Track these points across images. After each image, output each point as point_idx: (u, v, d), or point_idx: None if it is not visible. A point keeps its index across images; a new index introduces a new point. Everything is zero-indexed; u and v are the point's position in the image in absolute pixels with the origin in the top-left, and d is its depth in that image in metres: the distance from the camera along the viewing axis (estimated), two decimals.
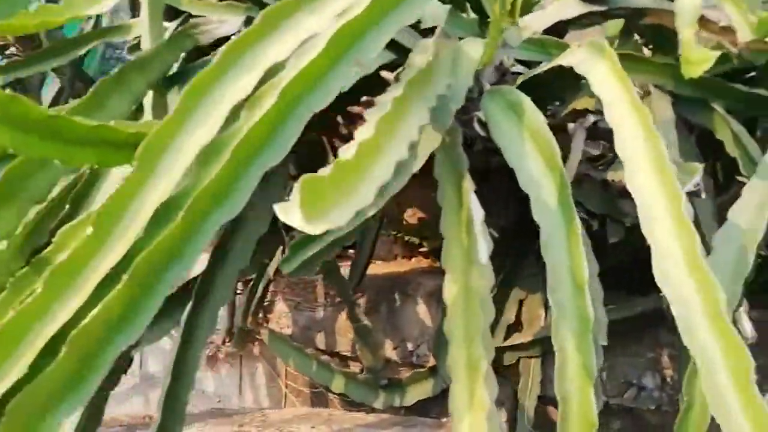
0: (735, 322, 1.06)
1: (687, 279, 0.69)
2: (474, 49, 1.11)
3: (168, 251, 0.64)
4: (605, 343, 0.95)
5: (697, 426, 0.91)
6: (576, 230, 0.91)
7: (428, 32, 1.18)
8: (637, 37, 1.43)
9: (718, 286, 0.67)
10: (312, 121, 0.70)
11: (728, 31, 1.12)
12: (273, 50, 0.72)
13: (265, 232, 1.14)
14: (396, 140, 0.71)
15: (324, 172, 0.57)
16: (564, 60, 1.02)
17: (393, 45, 1.09)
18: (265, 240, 1.48)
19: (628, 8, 1.14)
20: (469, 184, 1.05)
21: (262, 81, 0.70)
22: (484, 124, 1.11)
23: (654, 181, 0.76)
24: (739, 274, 0.94)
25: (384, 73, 1.11)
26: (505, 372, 1.51)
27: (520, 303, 1.45)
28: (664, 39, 1.24)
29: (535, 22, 1.13)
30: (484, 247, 1.01)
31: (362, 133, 0.65)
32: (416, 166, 0.98)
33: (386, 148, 0.68)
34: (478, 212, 1.03)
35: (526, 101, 1.05)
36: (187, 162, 0.65)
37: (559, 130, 1.29)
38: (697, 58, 0.91)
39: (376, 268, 1.80)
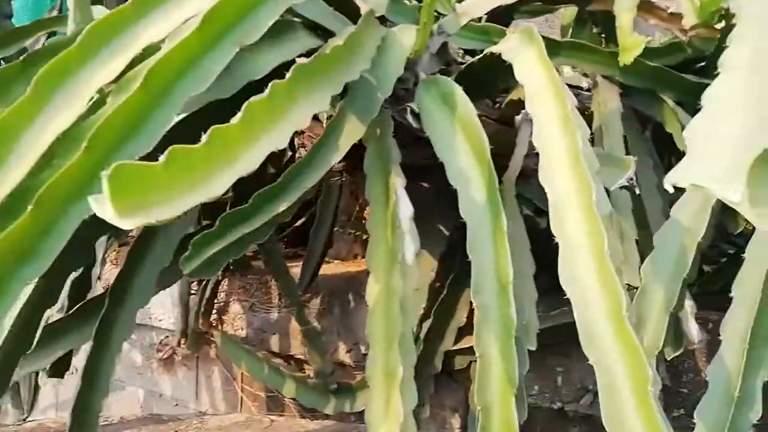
0: (679, 323, 1.01)
1: (593, 282, 0.63)
2: (407, 36, 1.05)
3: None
4: (533, 348, 0.89)
5: None
6: (502, 227, 0.86)
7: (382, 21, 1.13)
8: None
9: (622, 291, 0.61)
10: None
11: (677, 17, 1.07)
12: (149, 30, 0.65)
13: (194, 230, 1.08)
14: (274, 128, 0.65)
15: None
16: (497, 48, 0.96)
17: (323, 30, 1.04)
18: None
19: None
20: (397, 179, 0.99)
21: (136, 63, 0.64)
22: (418, 116, 1.05)
23: (566, 176, 0.70)
24: (679, 274, 0.88)
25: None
26: (458, 376, 1.45)
27: (471, 304, 1.39)
28: (614, 27, 1.19)
29: (473, 8, 1.07)
30: (410, 246, 0.95)
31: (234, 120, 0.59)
32: (336, 157, 0.93)
33: (253, 137, 0.61)
34: (406, 209, 0.97)
35: (459, 92, 0.99)
36: (40, 151, 0.59)
37: (505, 122, 1.24)
38: (629, 44, 0.85)
39: (333, 268, 1.74)
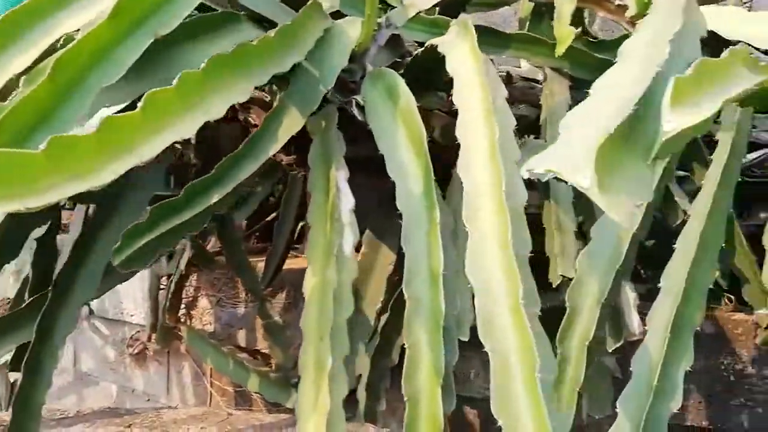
0: (621, 315, 1.01)
1: (495, 271, 0.63)
2: (352, 28, 1.05)
3: None
4: (465, 339, 0.89)
5: None
6: (435, 220, 0.86)
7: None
8: None
9: (520, 281, 0.61)
10: None
11: (622, 9, 1.07)
12: (68, 21, 0.66)
13: None
14: (179, 119, 0.65)
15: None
16: (436, 40, 0.96)
17: (268, 23, 1.04)
18: None
19: None
20: (340, 172, 0.99)
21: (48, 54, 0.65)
22: (364, 108, 1.06)
23: (481, 167, 0.70)
24: (613, 265, 0.88)
25: None
26: None
27: None
28: None
29: (421, 1, 1.07)
30: (349, 239, 0.95)
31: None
32: (273, 149, 0.93)
33: (156, 127, 0.62)
34: (347, 201, 0.98)
35: (402, 85, 0.99)
36: None
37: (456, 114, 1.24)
38: (564, 36, 0.85)
39: (301, 262, 1.74)
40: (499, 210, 0.65)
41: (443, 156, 1.06)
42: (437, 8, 1.15)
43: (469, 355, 1.35)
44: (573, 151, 0.40)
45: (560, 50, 0.87)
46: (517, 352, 0.59)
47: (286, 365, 1.48)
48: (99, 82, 0.63)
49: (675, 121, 0.43)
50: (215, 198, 0.85)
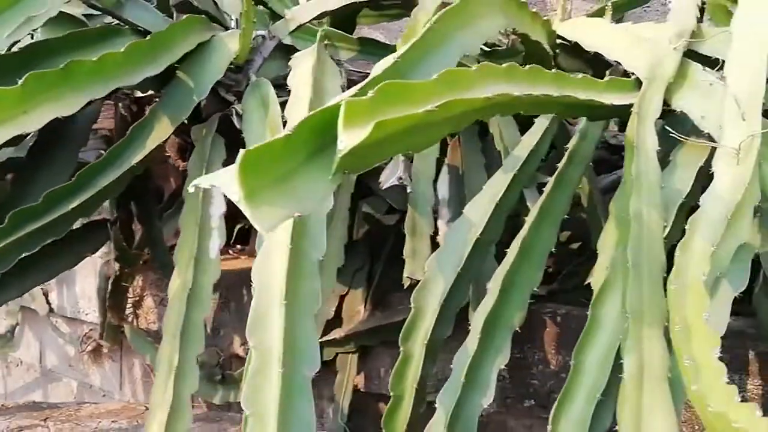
0: None
1: (277, 272, 0.68)
2: (233, 41, 1.10)
3: None
4: None
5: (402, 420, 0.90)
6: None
7: None
8: None
9: (284, 280, 0.66)
10: None
11: None
12: None
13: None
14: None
15: None
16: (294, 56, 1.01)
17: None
18: (89, 235, 1.50)
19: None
20: None
21: None
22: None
23: None
24: (456, 268, 0.93)
25: None
26: (333, 367, 1.49)
27: (341, 298, 1.44)
28: None
29: (300, 14, 1.12)
30: (215, 242, 1.00)
31: None
32: (137, 157, 0.98)
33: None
34: (218, 206, 1.03)
35: (272, 95, 1.04)
36: None
37: None
38: None
39: (239, 263, 1.80)
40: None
41: None
42: (324, 20, 1.19)
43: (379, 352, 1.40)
44: (228, 169, 0.45)
45: None
46: (279, 349, 0.64)
47: (210, 362, 1.54)
48: None
49: (346, 140, 0.47)
50: (73, 205, 0.90)
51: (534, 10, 0.92)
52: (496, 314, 0.83)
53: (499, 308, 0.83)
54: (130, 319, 1.92)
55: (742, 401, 1.17)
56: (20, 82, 0.72)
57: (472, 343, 0.82)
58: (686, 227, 0.65)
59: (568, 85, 0.78)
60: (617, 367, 0.69)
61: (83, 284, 2.10)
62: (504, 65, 0.64)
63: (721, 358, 1.20)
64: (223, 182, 0.45)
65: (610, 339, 0.73)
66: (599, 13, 1.21)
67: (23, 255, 0.90)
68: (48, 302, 2.21)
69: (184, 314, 0.92)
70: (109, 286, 1.73)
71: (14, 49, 0.85)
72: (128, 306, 1.92)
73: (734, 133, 0.72)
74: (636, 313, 0.66)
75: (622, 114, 0.86)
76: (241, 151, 0.44)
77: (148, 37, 0.93)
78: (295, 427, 0.63)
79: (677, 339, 0.56)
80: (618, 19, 1.49)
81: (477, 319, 0.84)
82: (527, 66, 0.69)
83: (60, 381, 2.31)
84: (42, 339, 2.36)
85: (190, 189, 0.45)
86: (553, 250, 0.92)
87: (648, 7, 1.61)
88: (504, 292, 0.84)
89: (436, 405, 0.82)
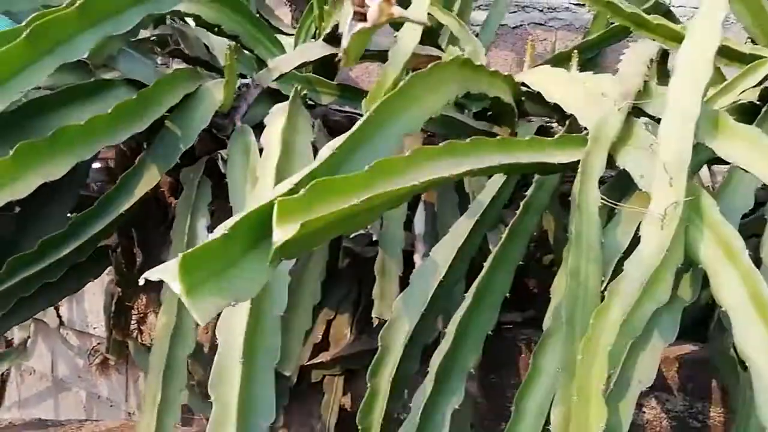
0: None
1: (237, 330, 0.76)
2: (218, 90, 1.17)
3: None
4: (288, 374, 1.01)
5: None
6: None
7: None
8: None
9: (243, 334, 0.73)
10: None
11: None
12: None
13: None
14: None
15: None
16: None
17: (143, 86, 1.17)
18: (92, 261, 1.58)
19: (370, 50, 1.19)
20: (200, 220, 1.12)
21: None
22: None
23: None
24: (421, 308, 0.99)
25: None
26: (320, 388, 1.57)
27: (328, 323, 1.51)
28: None
29: (282, 64, 1.19)
30: None
31: None
32: (126, 204, 1.05)
33: None
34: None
35: (253, 142, 1.11)
36: None
37: None
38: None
39: None
40: None
41: None
42: (308, 67, 1.26)
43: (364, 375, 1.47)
44: (171, 264, 0.52)
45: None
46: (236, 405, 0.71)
47: (204, 381, 1.62)
48: None
49: (280, 235, 0.54)
50: (68, 251, 0.98)
51: (492, 69, 0.98)
52: (452, 357, 0.89)
53: (455, 351, 0.89)
54: (134, 335, 2.01)
55: (704, 427, 1.24)
56: (11, 152, 0.79)
57: (429, 384, 0.88)
58: (605, 293, 0.71)
59: (514, 149, 0.84)
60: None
61: (91, 300, 2.20)
62: (441, 144, 0.71)
63: (684, 386, 1.25)
64: (168, 278, 0.52)
65: (549, 388, 0.79)
66: (567, 56, 1.27)
67: (20, 297, 0.98)
68: (59, 315, 2.31)
69: (167, 353, 0.99)
70: (113, 305, 1.81)
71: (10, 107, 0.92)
72: (133, 322, 2.01)
73: (662, 198, 0.78)
74: (567, 368, 0.73)
75: (571, 169, 0.92)
76: (179, 255, 0.51)
77: (134, 96, 1.00)
78: None
79: (576, 410, 0.62)
80: (595, 54, 1.54)
81: (434, 361, 0.90)
82: (468, 139, 0.75)
83: (70, 391, 2.40)
84: (53, 350, 2.46)
85: (140, 281, 0.53)
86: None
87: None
88: (459, 336, 0.90)
89: None
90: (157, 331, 1.04)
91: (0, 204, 0.78)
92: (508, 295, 0.98)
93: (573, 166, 0.92)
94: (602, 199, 0.80)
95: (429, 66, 0.79)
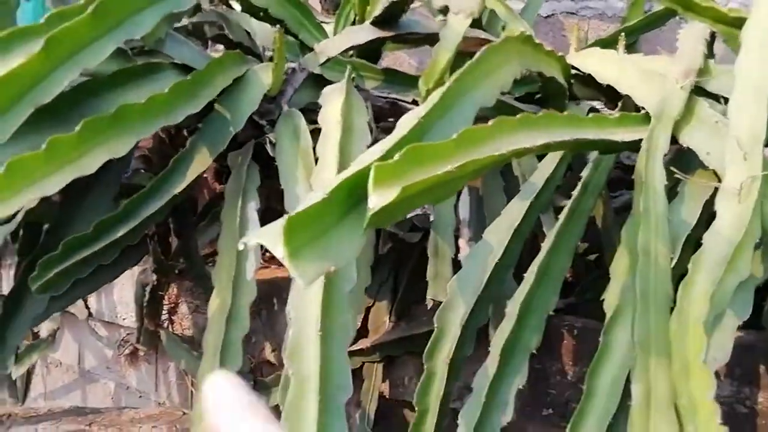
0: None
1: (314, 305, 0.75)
2: (266, 74, 1.17)
3: None
4: None
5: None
6: None
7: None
8: None
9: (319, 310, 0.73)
10: None
11: None
12: None
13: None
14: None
15: None
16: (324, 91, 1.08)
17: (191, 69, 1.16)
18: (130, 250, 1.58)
19: (418, 33, 1.18)
20: (250, 203, 1.11)
21: None
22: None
23: None
24: (476, 290, 0.99)
25: None
26: (360, 375, 1.56)
27: (367, 310, 1.50)
28: None
29: (329, 48, 1.18)
30: (252, 265, 1.07)
31: None
32: (179, 187, 1.05)
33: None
34: (254, 229, 1.10)
35: (303, 125, 1.11)
36: None
37: None
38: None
39: (269, 273, 1.87)
40: None
41: None
42: (352, 51, 1.25)
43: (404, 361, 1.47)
44: (273, 228, 0.51)
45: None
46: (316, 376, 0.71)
47: (243, 369, 1.61)
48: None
49: (376, 201, 0.54)
50: (121, 232, 0.98)
51: (549, 48, 0.98)
52: (515, 337, 0.89)
53: (517, 331, 0.89)
54: (165, 325, 2.01)
55: (752, 413, 1.23)
56: (77, 128, 0.79)
57: (492, 364, 0.88)
58: (689, 266, 0.70)
59: (580, 126, 0.83)
60: (628, 392, 0.75)
61: (120, 291, 2.20)
62: (517, 116, 0.70)
63: (732, 371, 1.25)
64: (268, 241, 0.51)
65: (621, 365, 0.78)
66: (613, 39, 1.26)
67: (76, 278, 0.98)
68: (87, 307, 2.31)
69: (224, 333, 0.99)
70: (147, 294, 1.81)
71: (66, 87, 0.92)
72: (164, 312, 2.01)
73: (736, 173, 0.77)
74: (643, 343, 0.72)
75: (633, 148, 0.92)
76: (285, 217, 0.51)
77: (189, 76, 1.00)
78: None
79: (676, 378, 0.61)
80: (633, 42, 1.54)
81: (496, 341, 0.90)
82: (540, 113, 0.75)
83: (98, 382, 2.40)
84: (81, 342, 2.45)
85: (240, 246, 0.52)
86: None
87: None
88: (522, 316, 0.90)
89: (459, 421, 0.88)
90: (210, 313, 1.03)
91: (68, 180, 0.78)
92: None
93: (635, 146, 0.91)
94: (672, 171, 0.79)
95: (499, 40, 0.78)
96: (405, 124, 0.63)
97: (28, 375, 2.62)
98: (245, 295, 1.03)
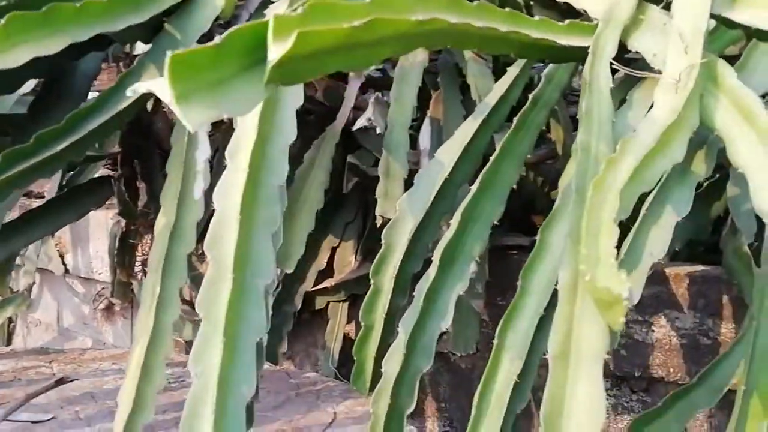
0: None
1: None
2: None
3: None
4: None
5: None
6: None
7: None
8: None
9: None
10: None
11: None
12: None
13: None
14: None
15: None
16: None
17: None
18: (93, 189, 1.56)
19: None
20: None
21: None
22: None
23: None
24: (425, 207, 0.97)
25: None
26: (325, 315, 1.55)
27: (333, 250, 1.49)
28: None
29: None
30: (200, 184, 1.05)
31: None
32: (124, 104, 1.03)
33: None
34: (204, 152, 1.08)
35: None
36: None
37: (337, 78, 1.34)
38: None
39: None
40: None
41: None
42: None
43: None
44: (161, 78, 0.50)
45: None
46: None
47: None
48: None
49: (275, 51, 0.52)
50: (61, 146, 0.96)
51: None
52: (456, 244, 0.87)
53: (459, 239, 0.87)
54: (139, 276, 1.99)
55: (714, 344, 1.21)
56: (1, 21, 0.77)
57: (432, 271, 0.86)
58: (617, 147, 0.68)
59: (523, 24, 0.81)
60: None
61: (96, 245, 2.18)
62: None
63: (694, 303, 1.23)
64: (157, 87, 0.49)
65: (556, 263, 0.77)
66: None
67: (14, 191, 0.96)
68: (64, 263, 2.29)
69: (167, 249, 0.97)
70: (117, 244, 1.80)
71: None
72: (137, 264, 1.99)
73: (676, 65, 0.75)
74: (574, 233, 0.70)
75: (582, 56, 0.89)
76: (168, 53, 0.49)
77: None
78: (244, 328, 0.68)
79: (586, 237, 0.59)
80: None
81: (438, 249, 0.88)
82: (475, 2, 0.73)
83: (74, 339, 2.39)
84: (59, 300, 2.44)
85: (128, 93, 0.50)
86: None
87: None
88: (464, 224, 0.88)
89: (398, 328, 0.87)
90: (156, 232, 1.02)
91: None
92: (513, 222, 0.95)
93: (583, 52, 0.89)
94: (612, 64, 0.77)
95: None
96: None
97: (9, 336, 2.61)
98: (192, 214, 1.02)
